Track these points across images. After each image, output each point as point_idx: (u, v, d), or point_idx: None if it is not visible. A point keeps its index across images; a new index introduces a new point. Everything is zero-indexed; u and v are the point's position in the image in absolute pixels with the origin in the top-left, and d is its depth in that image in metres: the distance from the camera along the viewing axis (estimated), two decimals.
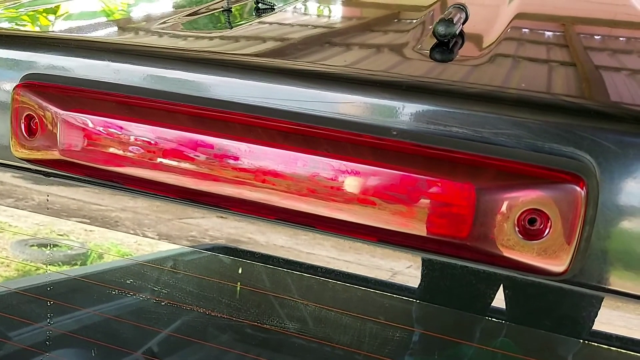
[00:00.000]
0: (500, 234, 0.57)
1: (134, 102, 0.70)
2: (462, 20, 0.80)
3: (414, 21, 0.99)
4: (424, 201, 0.58)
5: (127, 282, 0.82)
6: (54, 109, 0.72)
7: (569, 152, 0.57)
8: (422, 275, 0.68)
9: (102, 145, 0.70)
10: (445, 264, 0.65)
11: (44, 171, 0.80)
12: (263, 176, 0.63)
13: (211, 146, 0.65)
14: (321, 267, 0.71)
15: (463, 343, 0.68)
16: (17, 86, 0.75)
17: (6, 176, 0.87)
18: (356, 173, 0.60)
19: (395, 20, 1.06)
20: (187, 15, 1.01)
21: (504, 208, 0.56)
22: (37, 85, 0.75)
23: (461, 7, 0.83)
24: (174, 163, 0.67)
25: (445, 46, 0.76)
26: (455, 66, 0.75)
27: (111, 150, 0.69)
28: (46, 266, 0.87)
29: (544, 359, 0.65)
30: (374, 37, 0.94)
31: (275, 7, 1.04)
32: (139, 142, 0.68)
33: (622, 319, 0.62)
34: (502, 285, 0.65)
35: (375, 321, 0.70)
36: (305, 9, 1.12)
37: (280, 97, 0.66)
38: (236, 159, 0.64)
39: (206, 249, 0.77)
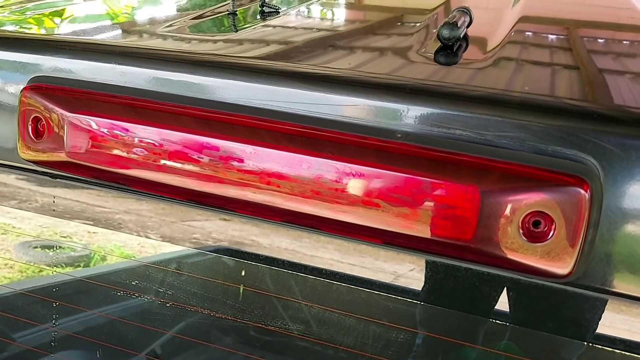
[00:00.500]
0: (504, 236, 0.57)
1: (140, 104, 0.71)
2: (466, 24, 0.80)
3: (418, 24, 1.00)
4: (429, 203, 0.58)
5: (132, 283, 0.82)
6: (60, 111, 0.73)
7: (573, 155, 0.57)
8: (425, 278, 0.68)
9: (109, 147, 0.70)
10: (449, 266, 0.65)
11: (50, 173, 0.81)
12: (268, 178, 0.64)
13: (217, 148, 0.65)
14: (324, 269, 0.71)
15: (467, 345, 0.68)
16: (24, 89, 0.76)
17: (12, 178, 0.87)
18: (361, 175, 0.60)
19: (400, 24, 1.06)
20: (192, 19, 1.01)
21: (508, 210, 0.56)
22: (44, 87, 0.75)
23: (465, 10, 0.84)
24: (180, 165, 0.67)
25: (450, 49, 0.76)
26: (459, 69, 0.75)
27: (118, 152, 0.70)
28: (51, 267, 0.88)
29: None
30: (378, 40, 0.95)
31: (280, 10, 1.05)
32: (145, 144, 0.68)
33: (625, 321, 0.62)
34: (505, 287, 0.65)
35: (378, 323, 0.70)
36: (310, 12, 1.12)
37: (285, 99, 0.67)
38: (242, 161, 0.65)
39: (210, 251, 0.77)
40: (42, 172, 0.81)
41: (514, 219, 0.56)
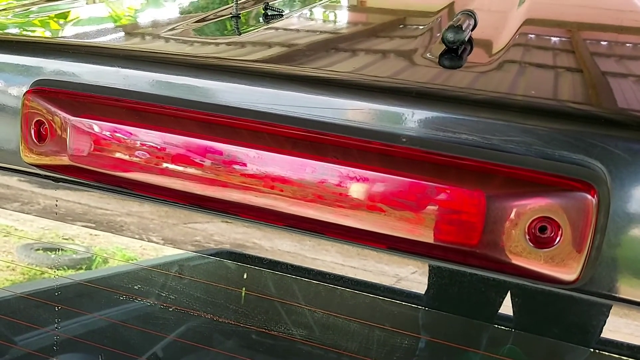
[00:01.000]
0: (510, 241, 0.56)
1: (143, 108, 0.71)
2: (470, 27, 0.80)
3: (422, 27, 0.99)
4: (434, 208, 0.58)
5: (134, 287, 0.82)
6: (63, 114, 0.72)
7: (580, 159, 0.57)
8: (429, 282, 0.67)
9: (112, 150, 0.70)
10: (453, 271, 0.65)
11: (53, 176, 0.81)
12: (272, 183, 0.63)
13: (220, 152, 0.65)
14: (327, 273, 0.71)
15: (470, 350, 0.68)
16: (27, 92, 0.76)
17: (14, 180, 0.87)
18: (365, 180, 0.60)
19: (404, 27, 1.06)
20: (195, 22, 1.01)
21: (514, 216, 0.56)
22: (47, 91, 0.75)
23: (470, 13, 0.83)
24: (183, 169, 0.67)
25: (454, 53, 0.76)
26: (464, 73, 0.75)
27: (120, 155, 0.70)
28: (53, 270, 0.87)
29: None
30: (382, 44, 0.94)
31: (283, 13, 1.05)
32: (148, 148, 0.68)
33: (630, 327, 0.61)
34: (510, 292, 0.64)
35: (381, 328, 0.70)
36: (313, 15, 1.12)
37: (288, 103, 0.66)
38: (245, 165, 0.64)
39: (212, 254, 0.77)
40: (45, 175, 0.80)
41: (520, 224, 0.56)
